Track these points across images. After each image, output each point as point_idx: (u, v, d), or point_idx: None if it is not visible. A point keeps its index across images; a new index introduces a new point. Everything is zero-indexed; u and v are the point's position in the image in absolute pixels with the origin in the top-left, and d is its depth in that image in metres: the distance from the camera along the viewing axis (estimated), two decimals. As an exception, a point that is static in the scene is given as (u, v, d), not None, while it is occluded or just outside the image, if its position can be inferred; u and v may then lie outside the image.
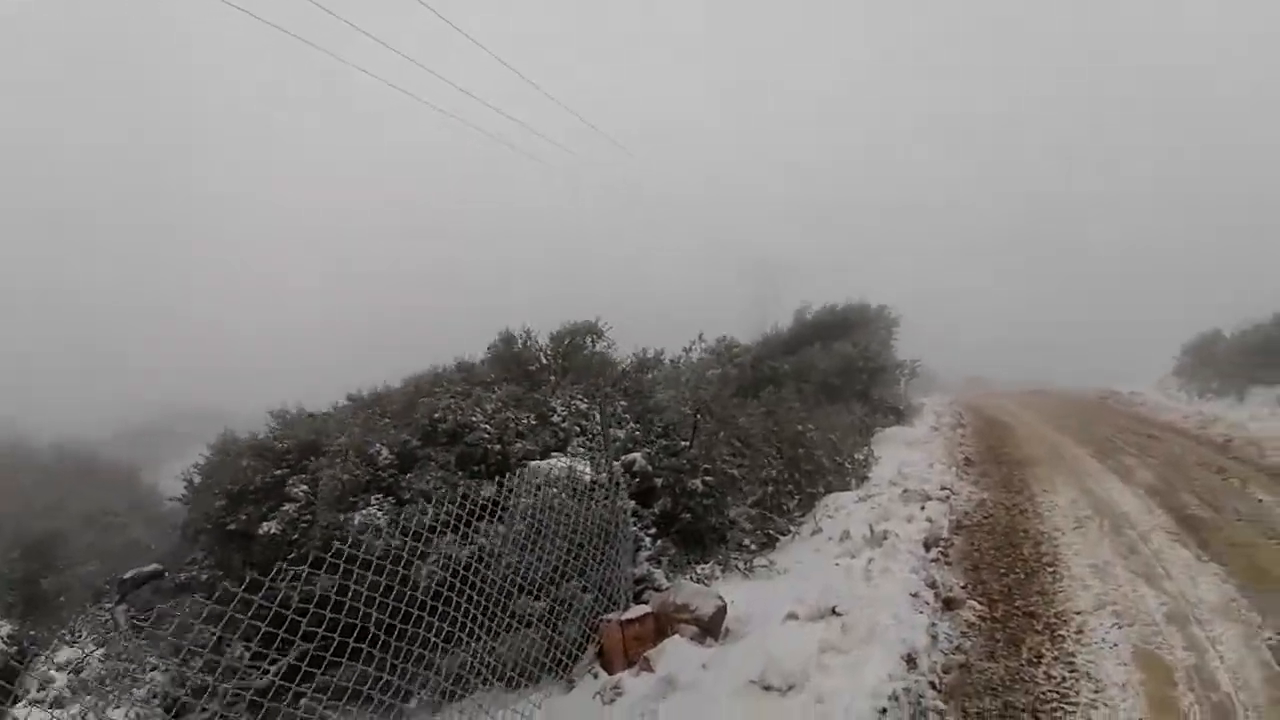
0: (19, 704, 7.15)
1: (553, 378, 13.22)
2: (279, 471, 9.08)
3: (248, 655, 6.78)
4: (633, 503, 7.62)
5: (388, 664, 4.75)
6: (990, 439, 16.55)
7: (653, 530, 7.99)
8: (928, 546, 7.77)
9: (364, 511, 7.63)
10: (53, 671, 7.57)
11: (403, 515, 7.62)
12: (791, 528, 10.01)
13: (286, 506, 8.45)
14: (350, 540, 7.37)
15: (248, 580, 4.24)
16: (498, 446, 8.20)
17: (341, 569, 4.51)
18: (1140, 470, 11.40)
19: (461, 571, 5.96)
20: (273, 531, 8.36)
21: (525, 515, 7.04)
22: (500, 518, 7.07)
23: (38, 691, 7.35)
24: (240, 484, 8.85)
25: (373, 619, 4.80)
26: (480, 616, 5.76)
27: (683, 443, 8.63)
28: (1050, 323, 49.24)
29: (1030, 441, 15.65)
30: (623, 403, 10.29)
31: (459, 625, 5.42)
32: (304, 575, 5.07)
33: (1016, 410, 22.42)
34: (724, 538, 8.37)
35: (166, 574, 9.46)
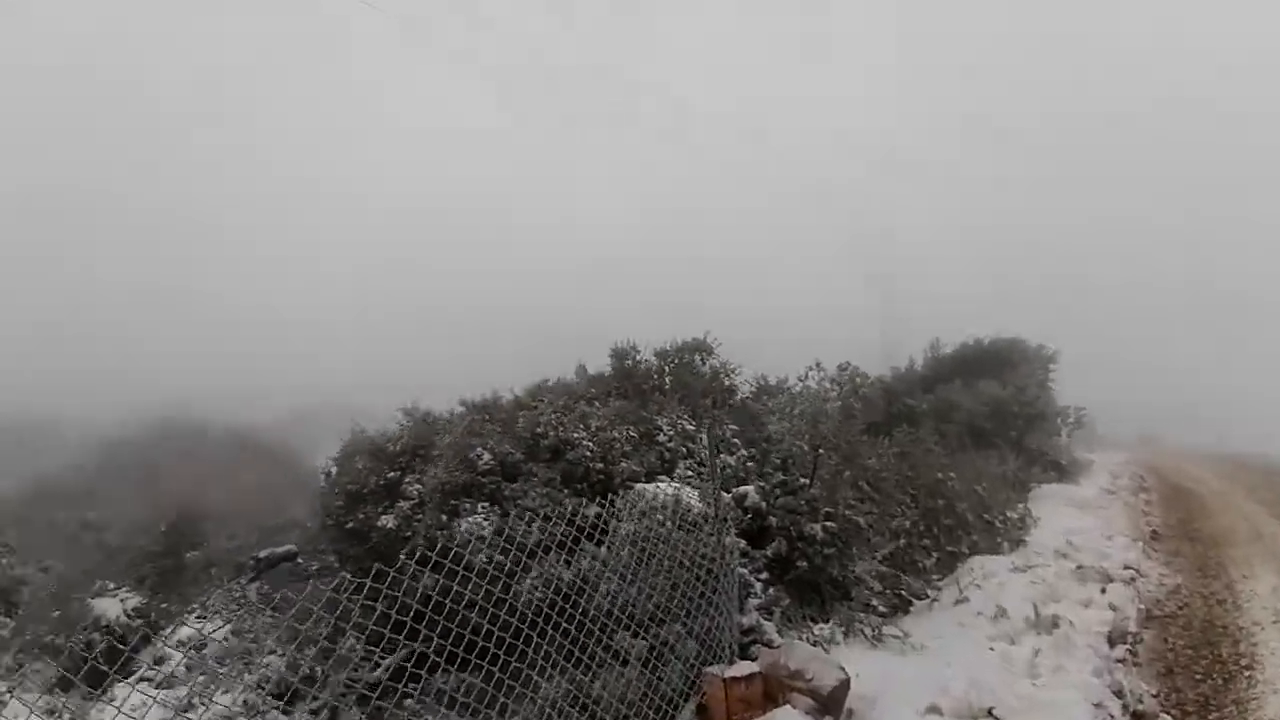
0: (130, 679, 7.53)
1: (660, 395, 12.72)
2: (392, 474, 9.18)
3: (360, 649, 6.81)
4: (742, 542, 6.86)
5: (493, 677, 4.64)
6: (1178, 509, 14.02)
7: (764, 576, 7.16)
8: (1112, 642, 6.35)
9: (470, 519, 7.43)
10: (168, 648, 7.92)
11: (507, 527, 7.37)
12: (929, 592, 8.74)
13: (401, 504, 8.50)
14: (455, 543, 7.21)
15: (369, 575, 4.23)
16: (600, 466, 7.75)
17: (446, 569, 4.44)
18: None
19: (566, 591, 5.78)
20: (389, 526, 8.41)
21: (626, 543, 6.53)
22: (602, 542, 6.66)
23: (149, 668, 7.73)
24: (358, 484, 9.02)
25: (477, 628, 4.64)
26: (580, 644, 5.44)
27: (801, 480, 7.74)
28: (1228, 379, 42.07)
29: (1224, 514, 13.12)
30: (733, 426, 9.56)
31: (560, 649, 5.06)
32: (410, 572, 4.86)
33: (1203, 475, 19.06)
34: (847, 594, 7.37)
35: (300, 558, 9.85)
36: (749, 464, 9.02)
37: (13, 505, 20.08)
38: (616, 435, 8.11)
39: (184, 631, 8.63)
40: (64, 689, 8.00)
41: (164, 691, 6.71)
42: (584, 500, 7.69)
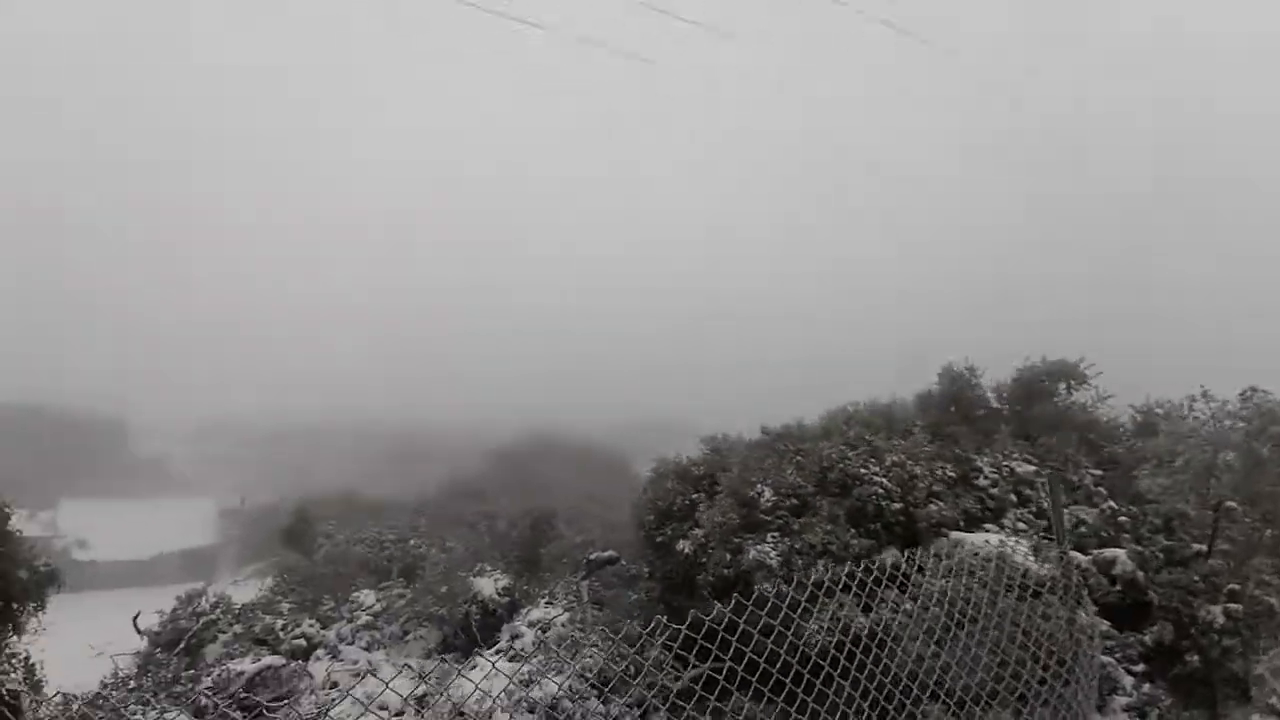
0: (490, 650, 9.05)
1: (1004, 427, 10.97)
2: (695, 495, 9.59)
3: (668, 656, 7.25)
4: (1105, 623, 5.46)
5: (787, 715, 4.53)
6: None
7: (1139, 668, 5.60)
8: None
9: (757, 548, 7.36)
10: (523, 626, 9.33)
11: (792, 562, 7.10)
12: None
13: (696, 531, 8.83)
14: (742, 570, 7.21)
15: (671, 590, 4.45)
16: (897, 506, 6.96)
17: (733, 600, 4.55)
18: None
19: (862, 640, 5.35)
20: (685, 551, 8.79)
21: (934, 600, 5.75)
22: (905, 589, 6.00)
23: (507, 641, 9.17)
24: (666, 502, 9.62)
25: (773, 657, 4.72)
26: (876, 704, 4.90)
27: (1195, 547, 5.89)
28: None
29: None
30: (1095, 472, 7.76)
31: (850, 702, 4.63)
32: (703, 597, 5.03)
33: None
34: (1246, 694, 5.36)
35: (621, 561, 10.92)
36: (1120, 520, 7.23)
37: (430, 501, 26.06)
38: (919, 472, 7.23)
39: (534, 614, 10.13)
40: (443, 653, 10.05)
41: (511, 664, 7.89)
42: (876, 542, 7.03)
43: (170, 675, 7.73)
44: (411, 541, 15.98)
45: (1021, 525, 7.52)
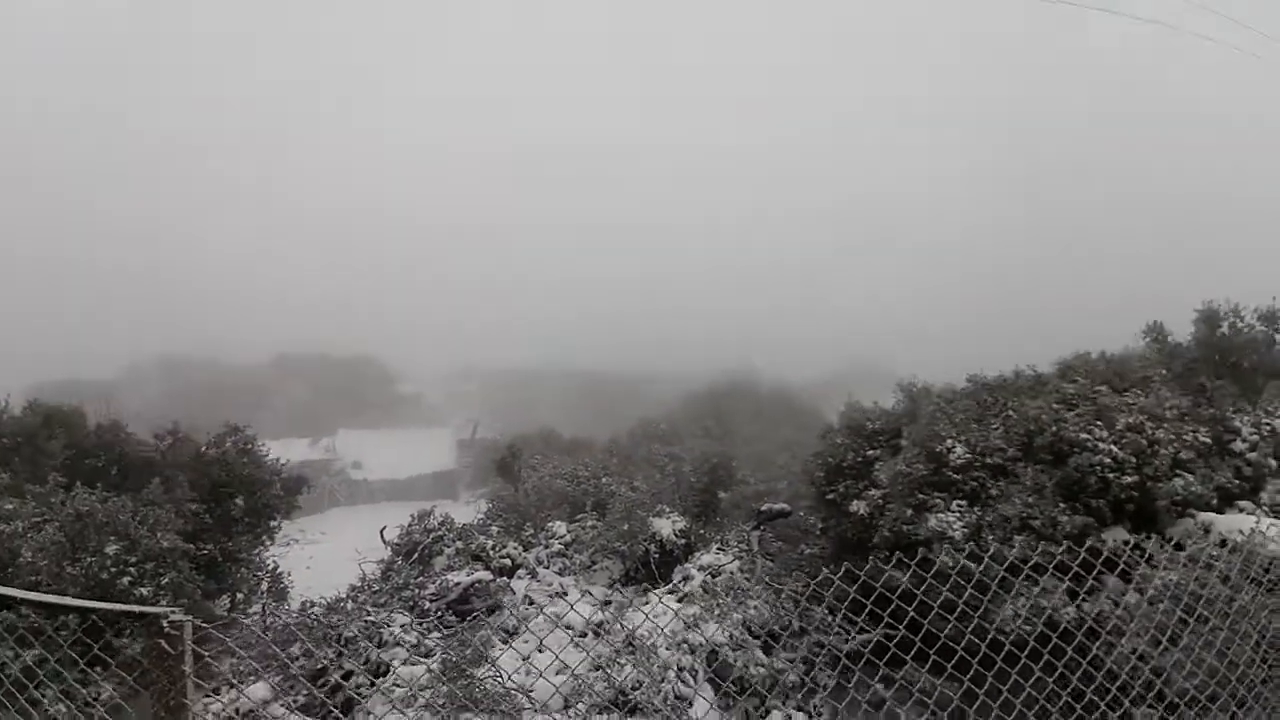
0: (664, 588, 9.44)
1: (1275, 381, 8.82)
2: (871, 451, 9.03)
3: (834, 618, 7.14)
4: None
5: (973, 696, 4.10)
6: None
7: None
8: None
9: (939, 516, 6.77)
10: (694, 569, 9.59)
11: (981, 535, 6.43)
12: None
13: (873, 491, 8.34)
14: (921, 542, 6.79)
15: (842, 550, 4.43)
16: (1131, 479, 5.90)
17: (910, 568, 4.12)
18: None
19: (1069, 630, 4.91)
20: (860, 512, 8.40)
21: (1165, 595, 4.98)
22: (1130, 578, 5.27)
23: (678, 581, 9.49)
24: (836, 459, 9.20)
25: (956, 634, 4.47)
26: (1083, 698, 4.46)
27: None
28: None
29: None
30: None
31: (1050, 696, 4.31)
32: (878, 565, 4.95)
33: None
34: None
35: (791, 514, 10.75)
36: None
37: (623, 440, 27.54)
38: (1161, 437, 6.03)
39: (705, 558, 10.39)
40: (625, 584, 10.71)
41: (679, 604, 8.22)
42: (1095, 520, 6.06)
43: (401, 581, 9.19)
44: (604, 479, 17.06)
45: (1285, 501, 6.10)
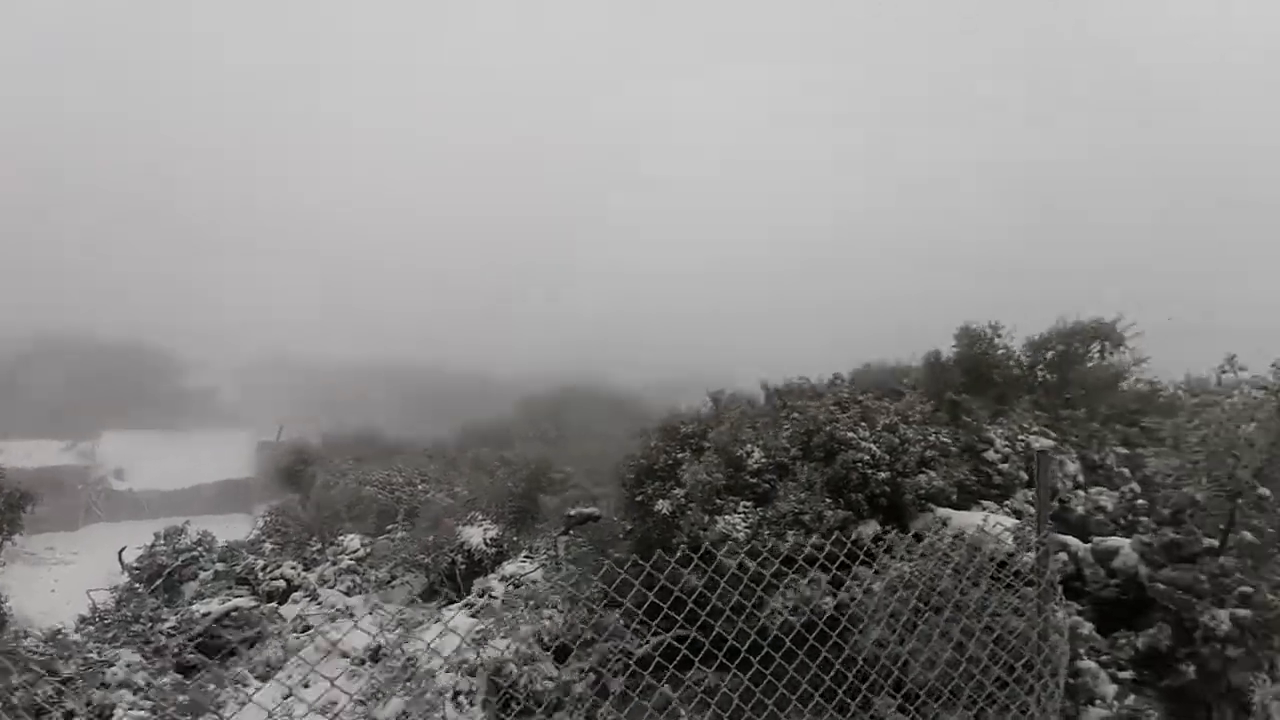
0: (454, 606, 8.89)
1: (1026, 396, 10.08)
2: (681, 454, 9.06)
3: (629, 626, 6.95)
4: (1087, 626, 4.78)
5: (747, 690, 4.18)
6: None
7: (1126, 674, 4.93)
8: None
9: (726, 519, 6.85)
10: (495, 581, 9.11)
11: (760, 533, 6.58)
12: None
13: (677, 491, 8.35)
14: (706, 546, 6.78)
15: (644, 552, 4.30)
16: (885, 475, 6.31)
17: (701, 568, 4.44)
18: None
19: (833, 617, 5.05)
20: (663, 511, 8.34)
21: (900, 585, 5.22)
22: (876, 573, 5.52)
23: (477, 594, 8.98)
24: (649, 460, 9.13)
25: (740, 632, 4.25)
26: (840, 688, 4.48)
27: (1206, 541, 5.10)
28: None
29: None
30: (1120, 450, 6.94)
31: (816, 683, 4.26)
32: (670, 565, 4.78)
33: None
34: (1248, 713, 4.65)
35: (601, 517, 10.58)
36: (1136, 504, 6.43)
37: (451, 444, 26.25)
38: (911, 436, 6.53)
39: (510, 567, 9.94)
40: (427, 601, 9.99)
41: (472, 620, 7.68)
42: (855, 514, 6.42)
43: (131, 614, 7.79)
44: (420, 485, 16.02)
45: (1030, 506, 6.80)
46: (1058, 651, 4.17)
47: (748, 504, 7.10)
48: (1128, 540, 5.31)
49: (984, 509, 6.83)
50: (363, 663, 7.87)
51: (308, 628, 8.78)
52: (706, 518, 7.14)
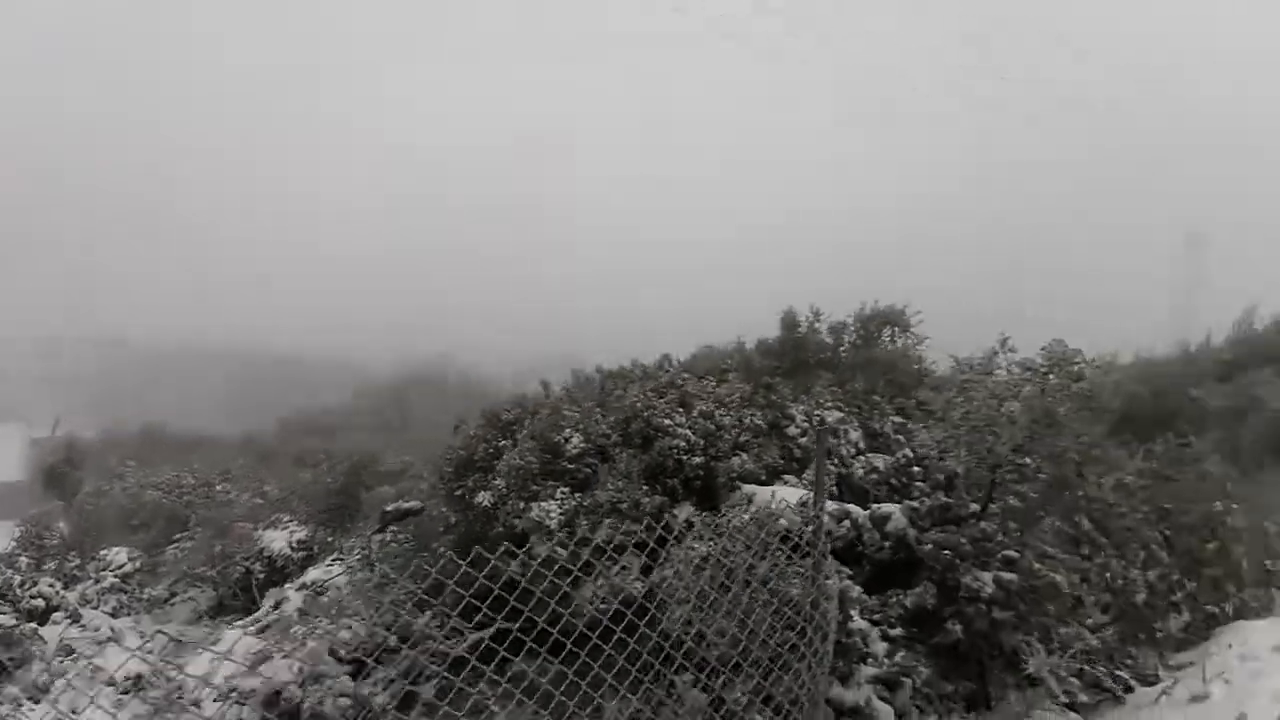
0: (243, 620, 7.95)
1: (826, 374, 10.76)
2: (503, 441, 8.66)
3: (439, 625, 6.43)
4: (856, 589, 5.07)
5: (565, 679, 4.01)
6: None
7: (896, 632, 5.29)
8: None
9: (540, 505, 6.57)
10: (292, 591, 8.22)
11: (575, 521, 6.39)
12: (1163, 672, 6.12)
13: (498, 482, 7.94)
14: (523, 534, 6.42)
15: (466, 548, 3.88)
16: (699, 459, 6.34)
17: (519, 557, 4.19)
18: None
19: (643, 604, 4.88)
20: (484, 504, 7.90)
21: (704, 564, 5.20)
22: (683, 554, 5.46)
23: (269, 607, 8.08)
24: (469, 451, 8.62)
25: (554, 618, 4.03)
26: (647, 670, 4.34)
27: (973, 506, 5.61)
28: None
29: None
30: (897, 419, 7.49)
31: (625, 672, 3.99)
32: (488, 557, 4.35)
33: None
34: (1020, 672, 5.20)
35: (423, 512, 9.90)
36: (911, 470, 6.98)
37: (269, 436, 23.81)
38: (727, 422, 6.63)
39: (312, 574, 9.02)
40: (216, 617, 8.85)
41: (254, 639, 6.83)
42: (671, 499, 6.42)
43: None
44: (219, 486, 14.20)
45: (824, 477, 7.12)
46: (828, 617, 4.34)
47: (565, 490, 6.87)
48: (898, 506, 5.69)
49: (785, 483, 7.10)
50: (126, 692, 6.78)
51: (71, 652, 7.43)
52: (521, 504, 6.83)
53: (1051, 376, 5.61)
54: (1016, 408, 5.31)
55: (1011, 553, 5.28)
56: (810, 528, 4.58)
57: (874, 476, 6.89)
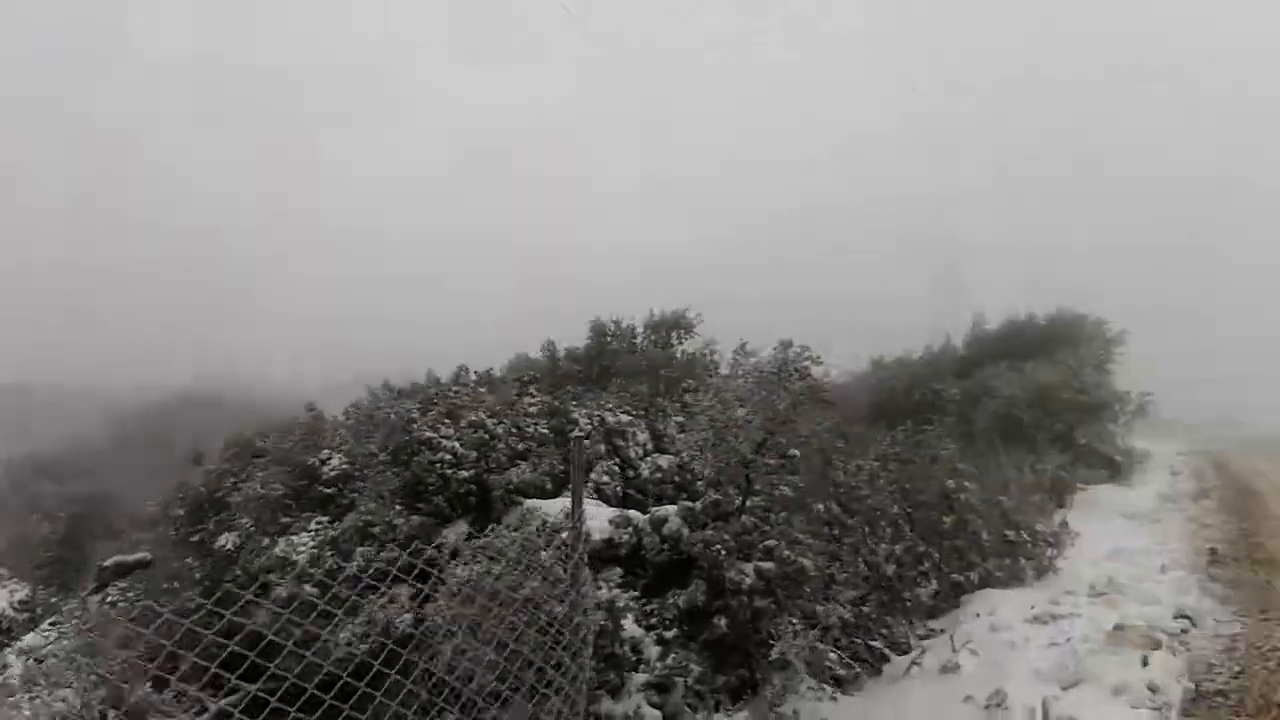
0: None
1: (616, 379, 10.88)
2: (257, 474, 7.56)
3: (179, 693, 5.31)
4: (625, 596, 4.97)
5: None
6: (1243, 518, 11.36)
7: (671, 634, 5.26)
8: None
9: (290, 539, 5.76)
10: (12, 656, 6.61)
11: (321, 554, 5.66)
12: (914, 641, 6.71)
13: (244, 520, 6.88)
14: (263, 577, 5.63)
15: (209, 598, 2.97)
16: (469, 472, 5.92)
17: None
18: None
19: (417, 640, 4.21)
20: (227, 546, 6.79)
21: (465, 592, 4.80)
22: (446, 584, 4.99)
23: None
24: (209, 488, 7.44)
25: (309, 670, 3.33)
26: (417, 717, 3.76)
27: (738, 502, 5.76)
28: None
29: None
30: (679, 419, 7.63)
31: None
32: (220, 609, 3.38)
33: (1273, 474, 16.02)
34: (787, 663, 5.39)
35: (152, 563, 8.38)
36: (692, 470, 7.10)
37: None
38: (500, 431, 6.27)
39: (28, 639, 7.33)
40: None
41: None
42: (436, 519, 5.93)
43: None
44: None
45: (605, 478, 6.99)
46: (579, 632, 4.15)
47: (323, 520, 6.08)
48: (674, 507, 5.70)
49: (569, 494, 6.91)
50: None
51: None
52: (266, 540, 5.94)
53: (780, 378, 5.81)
54: (744, 411, 5.54)
55: (771, 542, 5.48)
56: (570, 536, 4.37)
57: (659, 475, 6.90)
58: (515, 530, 5.45)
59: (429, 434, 5.79)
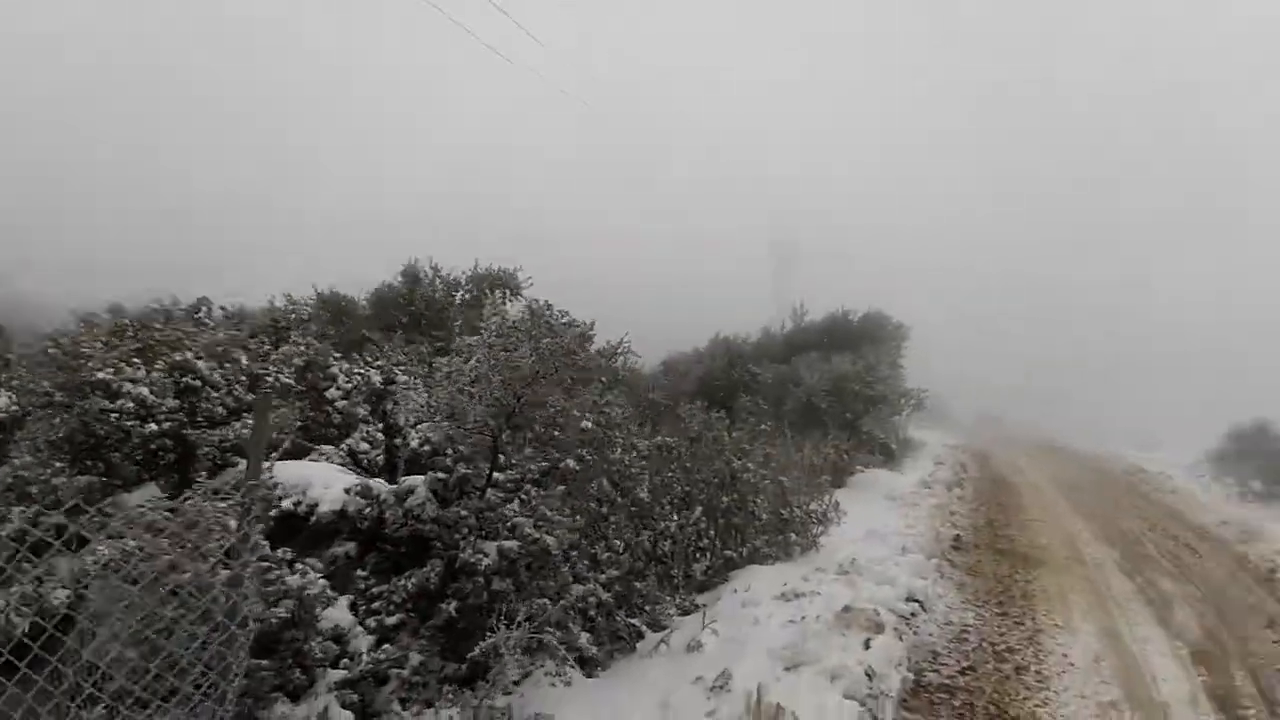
0: None
1: (397, 334, 10.03)
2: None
3: None
4: (322, 582, 4.34)
5: None
6: (992, 508, 12.98)
7: (395, 619, 4.71)
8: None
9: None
10: None
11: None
12: (672, 616, 6.70)
13: None
14: None
15: None
16: (158, 426, 4.90)
17: None
18: (1180, 607, 7.90)
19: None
20: None
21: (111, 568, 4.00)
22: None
23: None
24: None
25: None
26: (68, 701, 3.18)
27: (491, 474, 5.29)
28: (1071, 370, 45.98)
29: (1042, 522, 12.08)
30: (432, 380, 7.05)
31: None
32: None
33: (1029, 469, 18.77)
34: (535, 644, 5.03)
35: None
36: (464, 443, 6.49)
37: None
38: (216, 380, 5.28)
39: None
40: None
41: None
42: (114, 478, 4.89)
43: None
44: None
45: (365, 445, 6.21)
46: (237, 617, 3.51)
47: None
48: (423, 478, 5.11)
49: (322, 456, 6.08)
50: None
51: None
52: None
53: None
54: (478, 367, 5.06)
55: (520, 519, 5.09)
56: (244, 501, 3.65)
57: (427, 449, 6.25)
58: (216, 494, 4.58)
59: (104, 375, 4.69)
